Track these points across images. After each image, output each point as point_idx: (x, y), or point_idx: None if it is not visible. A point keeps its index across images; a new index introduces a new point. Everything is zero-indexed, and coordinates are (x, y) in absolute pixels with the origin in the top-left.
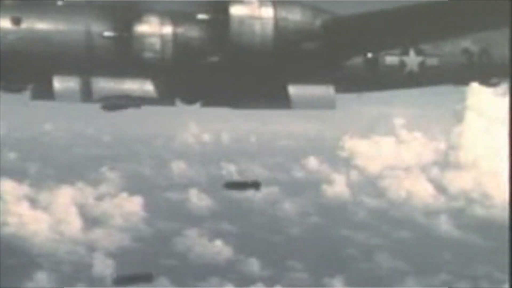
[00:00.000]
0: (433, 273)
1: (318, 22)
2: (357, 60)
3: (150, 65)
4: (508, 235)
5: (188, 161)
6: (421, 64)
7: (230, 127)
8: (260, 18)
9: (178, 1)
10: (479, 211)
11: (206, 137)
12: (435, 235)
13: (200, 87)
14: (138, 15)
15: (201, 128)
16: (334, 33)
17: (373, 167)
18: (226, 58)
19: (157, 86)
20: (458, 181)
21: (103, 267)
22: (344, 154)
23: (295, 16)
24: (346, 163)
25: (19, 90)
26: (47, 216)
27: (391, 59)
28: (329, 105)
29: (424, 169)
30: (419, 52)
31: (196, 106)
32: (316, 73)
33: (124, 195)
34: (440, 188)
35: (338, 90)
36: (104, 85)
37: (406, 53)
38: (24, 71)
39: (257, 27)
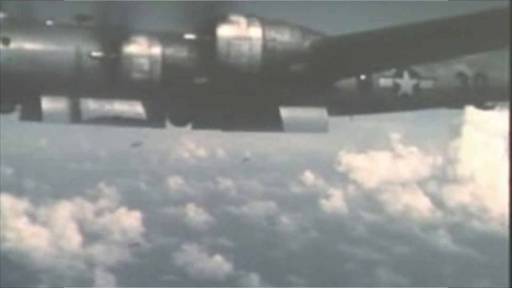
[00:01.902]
0: (431, 287)
1: (307, 43)
2: (350, 82)
3: (139, 85)
4: (509, 246)
5: (184, 176)
6: (415, 87)
7: (224, 142)
8: (248, 39)
9: (167, 21)
10: (477, 225)
11: (201, 152)
12: (433, 250)
13: (190, 109)
14: (126, 36)
15: (196, 143)
16: (323, 54)
17: (370, 182)
18: (215, 79)
19: (147, 108)
20: (455, 196)
21: (104, 282)
22: (341, 168)
23: (284, 36)
24: (343, 178)
25: (7, 110)
26: (47, 231)
27: (384, 81)
28: (322, 128)
29: (421, 183)
30: (413, 75)
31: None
32: (307, 95)
33: (122, 210)
34: (438, 203)
35: (331, 112)
36: (93, 106)
37: (400, 75)
38: (12, 91)
39: (245, 47)
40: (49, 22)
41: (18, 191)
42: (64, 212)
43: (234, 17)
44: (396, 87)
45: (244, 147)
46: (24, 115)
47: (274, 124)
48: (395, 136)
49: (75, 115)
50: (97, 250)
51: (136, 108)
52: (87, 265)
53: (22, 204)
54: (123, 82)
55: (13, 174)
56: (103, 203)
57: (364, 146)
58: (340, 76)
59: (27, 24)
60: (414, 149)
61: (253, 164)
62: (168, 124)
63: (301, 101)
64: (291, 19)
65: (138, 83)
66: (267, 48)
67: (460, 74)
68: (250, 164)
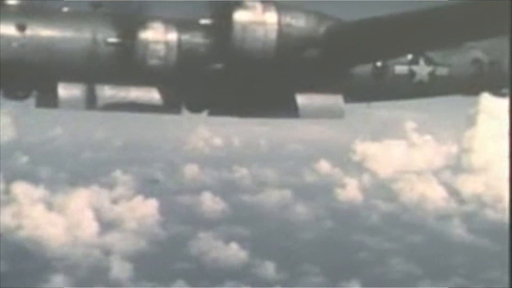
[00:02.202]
0: (445, 276)
1: (322, 28)
2: (366, 69)
3: (155, 71)
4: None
5: (199, 165)
6: (431, 74)
7: (239, 131)
8: (263, 24)
9: (183, 4)
10: (491, 214)
11: (217, 141)
12: (447, 239)
13: (207, 95)
14: (142, 22)
15: (211, 132)
16: (338, 39)
17: (385, 171)
18: (230, 65)
19: (163, 94)
20: (470, 185)
21: (121, 270)
22: (355, 157)
23: (299, 22)
24: (358, 167)
25: (23, 97)
26: (63, 219)
27: (400, 68)
28: (338, 114)
29: (436, 173)
30: (428, 62)
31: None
32: (322, 81)
33: (138, 198)
34: (452, 192)
35: (347, 99)
36: (109, 92)
37: (415, 62)
38: (28, 78)
39: (260, 32)
40: (65, 9)
41: (34, 179)
42: (80, 200)
43: (249, 2)
44: (412, 74)
45: (259, 136)
46: (40, 102)
47: (290, 110)
48: (410, 125)
49: (91, 102)
50: (113, 238)
51: (152, 95)
52: (103, 253)
53: (38, 192)
54: (139, 68)
55: (29, 162)
56: (119, 191)
57: (379, 135)
58: (355, 62)
59: (43, 11)
60: (429, 138)
61: (268, 153)
62: (184, 111)
63: (317, 87)
64: (306, 5)
65: (154, 69)
66: (283, 34)
67: (476, 61)
68: (265, 153)
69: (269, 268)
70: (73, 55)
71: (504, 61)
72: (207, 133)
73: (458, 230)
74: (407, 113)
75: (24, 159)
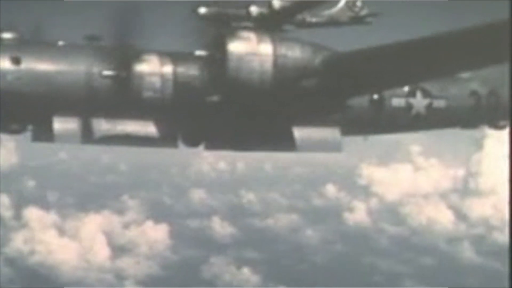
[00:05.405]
0: None
1: (318, 59)
2: (363, 102)
3: (150, 104)
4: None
5: (206, 189)
6: (428, 106)
7: (243, 155)
8: (258, 55)
9: (179, 36)
10: (499, 237)
11: (222, 165)
12: (457, 262)
13: (203, 129)
14: (137, 55)
15: (215, 156)
16: (334, 70)
17: (392, 195)
18: (226, 97)
19: (159, 128)
20: (477, 208)
21: None
22: (362, 181)
23: (294, 53)
24: (365, 191)
25: (18, 131)
26: (75, 244)
27: (397, 101)
28: (335, 147)
29: (443, 196)
30: (426, 94)
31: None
32: (319, 113)
33: (149, 223)
34: (460, 215)
35: (344, 132)
36: (105, 126)
37: (412, 95)
38: (23, 111)
39: (256, 63)
40: (60, 43)
41: (43, 203)
42: (92, 225)
43: (244, 33)
44: (409, 106)
45: (263, 160)
46: (36, 136)
47: (287, 143)
48: (415, 148)
49: (87, 135)
50: (126, 262)
51: (148, 128)
52: (116, 277)
53: (50, 217)
54: (134, 101)
55: (36, 187)
56: (129, 216)
57: (384, 158)
58: (352, 92)
59: (38, 44)
60: (434, 161)
61: (273, 177)
62: (181, 145)
63: (314, 120)
64: (302, 36)
65: (149, 102)
66: (278, 64)
67: (473, 93)
68: (271, 177)
69: None
70: (69, 88)
71: (502, 92)
72: (211, 157)
73: (467, 253)
74: (411, 137)
75: (31, 183)
